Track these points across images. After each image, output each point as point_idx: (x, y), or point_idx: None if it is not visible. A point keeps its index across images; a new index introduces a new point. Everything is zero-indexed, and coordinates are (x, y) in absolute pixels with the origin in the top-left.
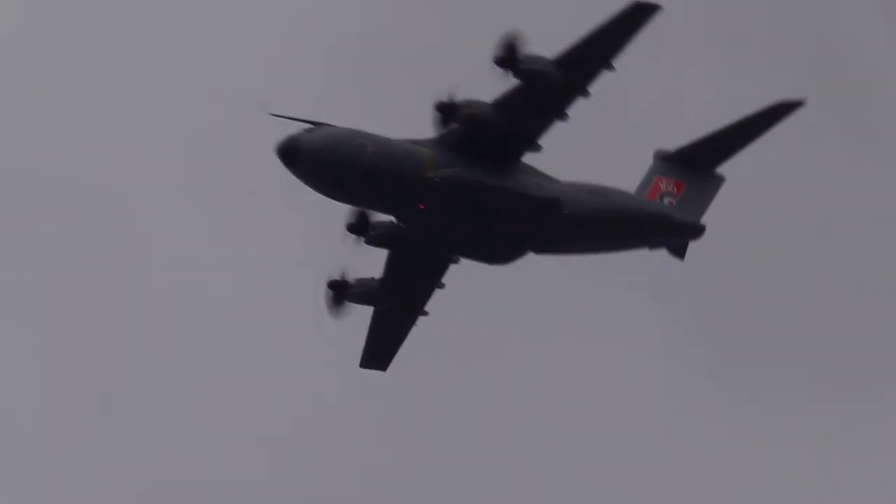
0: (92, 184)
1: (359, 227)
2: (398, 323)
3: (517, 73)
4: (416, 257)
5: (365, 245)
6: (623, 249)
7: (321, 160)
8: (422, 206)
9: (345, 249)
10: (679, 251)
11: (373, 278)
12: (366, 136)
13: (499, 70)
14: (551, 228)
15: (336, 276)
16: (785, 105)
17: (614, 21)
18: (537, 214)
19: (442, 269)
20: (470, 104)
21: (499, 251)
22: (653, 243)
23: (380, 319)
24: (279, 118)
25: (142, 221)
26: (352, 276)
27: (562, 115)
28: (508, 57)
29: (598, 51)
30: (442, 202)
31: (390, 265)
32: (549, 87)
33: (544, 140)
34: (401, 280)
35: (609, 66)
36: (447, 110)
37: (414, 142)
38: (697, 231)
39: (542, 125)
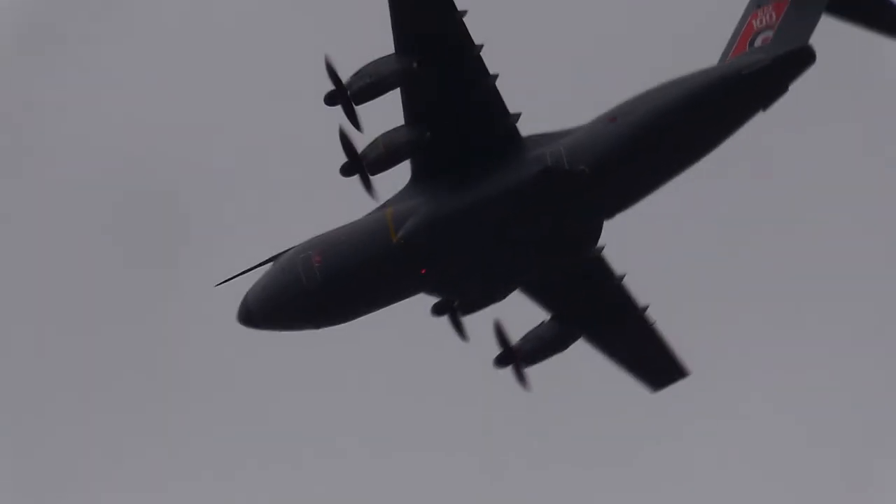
0: None
1: (444, 307)
2: None
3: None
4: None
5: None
6: (716, 144)
7: (275, 307)
8: (423, 271)
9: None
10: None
11: (540, 324)
12: (310, 244)
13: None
14: (580, 196)
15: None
16: None
17: None
18: (542, 197)
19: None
20: (374, 146)
21: (549, 247)
22: (752, 107)
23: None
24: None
25: None
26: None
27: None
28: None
29: None
30: (432, 255)
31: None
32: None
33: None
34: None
35: None
36: (351, 168)
37: (384, 205)
38: (802, 57)
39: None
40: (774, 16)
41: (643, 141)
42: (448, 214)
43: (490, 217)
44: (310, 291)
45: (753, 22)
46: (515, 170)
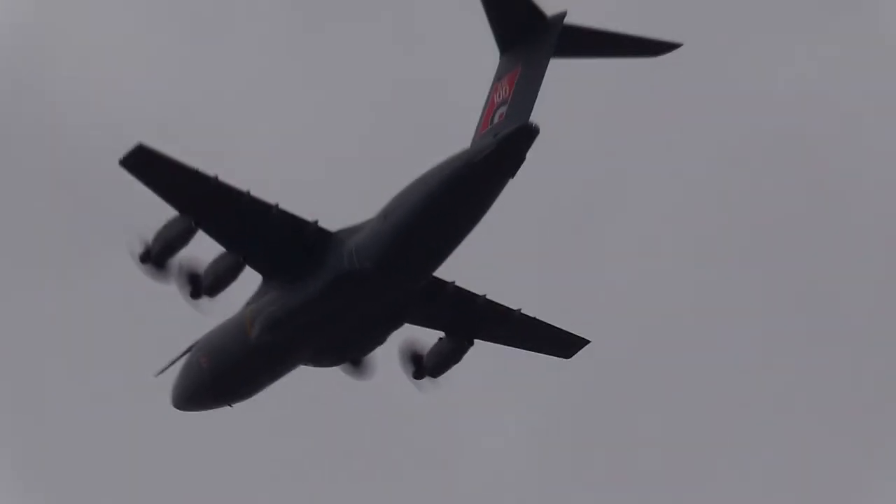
0: None
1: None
2: None
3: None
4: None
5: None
6: (480, 215)
7: (189, 398)
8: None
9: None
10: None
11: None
12: (199, 347)
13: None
14: (381, 282)
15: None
16: None
17: None
18: (349, 293)
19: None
20: (206, 275)
21: (387, 314)
22: (499, 180)
23: None
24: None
25: None
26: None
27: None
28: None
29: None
30: (287, 345)
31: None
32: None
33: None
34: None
35: None
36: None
37: (249, 300)
38: (524, 134)
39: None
40: (508, 89)
41: (415, 231)
42: (286, 313)
43: (319, 310)
44: (207, 385)
45: (494, 97)
46: (331, 265)
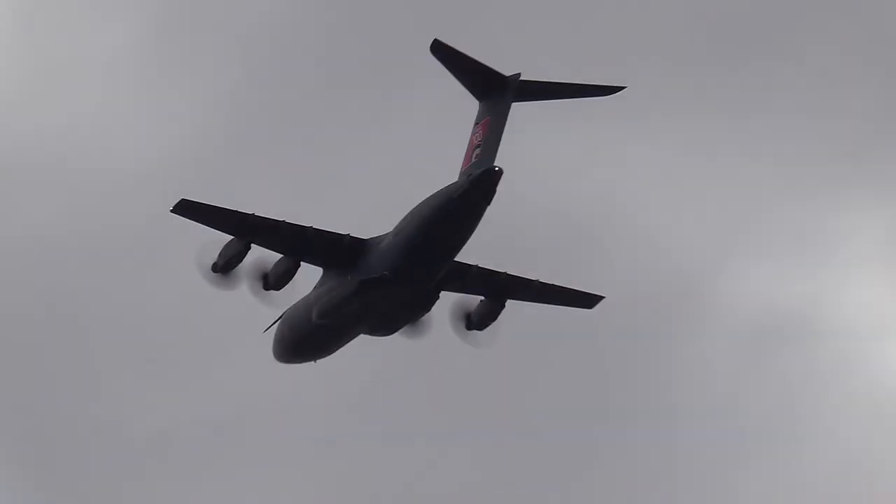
0: None
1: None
2: None
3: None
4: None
5: None
6: (469, 232)
7: (282, 354)
8: (350, 332)
9: None
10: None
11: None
12: (286, 315)
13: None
14: (398, 284)
15: None
16: None
17: None
18: (377, 292)
19: None
20: (271, 274)
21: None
22: (479, 206)
23: None
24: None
25: None
26: None
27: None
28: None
29: None
30: (341, 324)
31: None
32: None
33: None
34: None
35: None
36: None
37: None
38: (489, 176)
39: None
40: (481, 134)
41: (417, 246)
42: (332, 306)
43: (356, 303)
44: (290, 348)
45: (474, 139)
46: (360, 269)
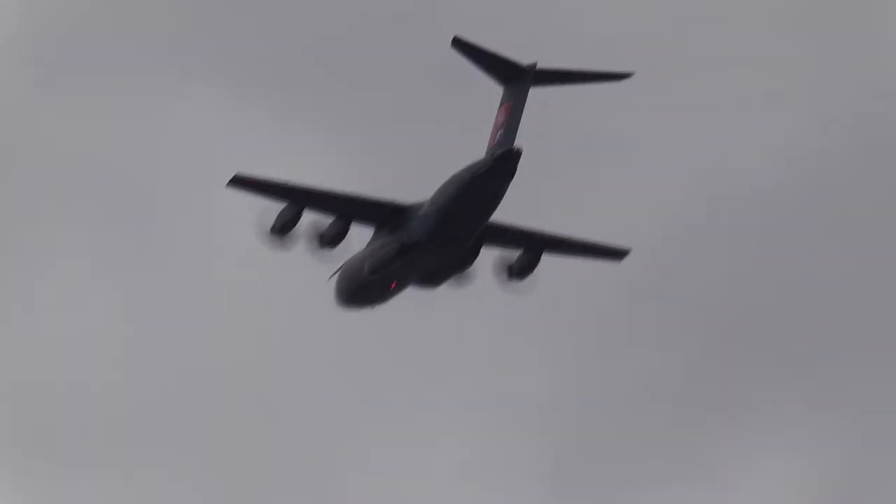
0: None
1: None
2: None
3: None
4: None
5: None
6: (496, 203)
7: (343, 299)
8: (393, 285)
9: None
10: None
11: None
12: (343, 268)
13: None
14: (433, 245)
15: None
16: None
17: None
18: (417, 251)
19: None
20: (326, 233)
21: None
22: (503, 182)
23: None
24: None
25: None
26: None
27: None
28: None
29: None
30: (388, 279)
31: None
32: None
33: None
34: None
35: None
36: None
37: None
38: (510, 156)
39: None
40: (503, 116)
41: (449, 215)
42: (381, 264)
43: (400, 262)
44: (347, 297)
45: (498, 119)
46: (401, 234)
